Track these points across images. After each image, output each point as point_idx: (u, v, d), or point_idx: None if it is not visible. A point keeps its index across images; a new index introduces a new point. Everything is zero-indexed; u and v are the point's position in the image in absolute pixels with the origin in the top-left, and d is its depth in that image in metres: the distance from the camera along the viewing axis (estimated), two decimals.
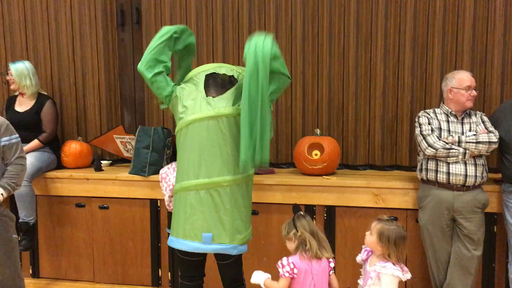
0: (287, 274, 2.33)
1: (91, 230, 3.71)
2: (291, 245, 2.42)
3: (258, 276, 2.44)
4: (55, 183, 3.70)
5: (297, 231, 2.36)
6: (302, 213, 2.47)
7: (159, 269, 3.62)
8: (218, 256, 2.62)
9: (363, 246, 2.49)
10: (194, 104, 2.56)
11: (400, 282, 2.34)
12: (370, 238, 2.36)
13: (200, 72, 2.69)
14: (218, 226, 2.48)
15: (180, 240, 2.52)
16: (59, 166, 3.86)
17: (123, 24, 3.99)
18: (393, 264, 2.27)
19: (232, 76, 2.68)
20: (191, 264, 2.62)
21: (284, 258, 2.36)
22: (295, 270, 2.31)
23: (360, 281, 2.50)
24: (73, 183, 3.67)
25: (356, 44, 3.60)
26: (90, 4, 3.97)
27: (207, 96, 2.57)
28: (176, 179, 2.63)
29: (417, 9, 3.49)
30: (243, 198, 2.56)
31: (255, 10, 3.71)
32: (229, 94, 2.59)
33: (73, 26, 4.03)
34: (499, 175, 3.17)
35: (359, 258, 2.52)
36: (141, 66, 2.63)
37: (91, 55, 4.03)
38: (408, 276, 2.30)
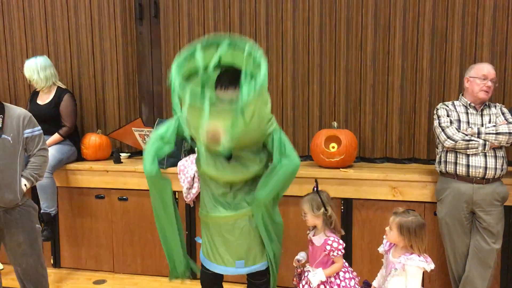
0: (340, 253, 2.55)
1: (110, 221, 3.77)
2: (315, 221, 2.61)
3: (317, 276, 2.56)
4: (76, 175, 3.76)
5: (327, 211, 2.56)
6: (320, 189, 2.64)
7: None
8: (251, 275, 2.65)
9: (384, 237, 2.49)
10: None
11: None
12: (391, 233, 2.38)
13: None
14: (249, 252, 2.51)
15: (214, 264, 2.55)
16: (79, 158, 3.93)
17: (142, 17, 4.03)
18: (418, 255, 2.28)
19: None
20: (213, 279, 2.66)
21: (332, 241, 2.54)
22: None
23: (381, 271, 2.51)
24: (93, 175, 3.73)
25: (374, 36, 3.58)
26: None
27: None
28: (201, 205, 2.62)
29: (436, 0, 3.45)
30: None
31: (273, 3, 3.71)
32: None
33: (92, 20, 4.08)
34: None
35: (381, 249, 2.53)
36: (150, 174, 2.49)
37: (110, 48, 4.07)
38: (432, 266, 2.30)
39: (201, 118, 2.00)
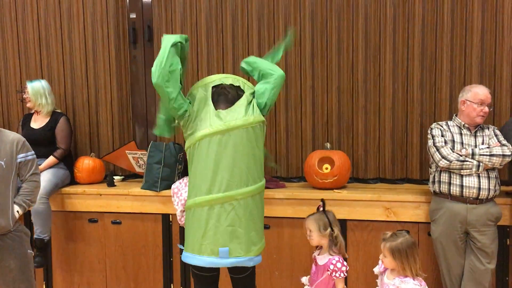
0: (343, 275, 2.54)
1: (103, 245, 3.74)
2: (321, 241, 2.62)
3: None
4: (69, 199, 3.74)
5: (333, 232, 2.59)
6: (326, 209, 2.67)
7: (172, 284, 3.63)
8: (233, 270, 2.63)
9: (380, 257, 2.49)
10: (204, 119, 2.58)
11: None
12: (386, 259, 2.39)
13: (206, 83, 2.72)
14: (234, 240, 2.50)
15: (197, 256, 2.53)
16: (72, 181, 3.91)
17: (135, 41, 4.07)
18: (412, 278, 2.28)
19: (239, 86, 2.71)
20: (206, 280, 2.63)
21: (336, 261, 2.54)
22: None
23: None
24: (86, 199, 3.71)
25: (365, 58, 3.63)
26: (103, 23, 4.05)
27: (216, 109, 2.60)
28: (189, 194, 2.66)
29: (425, 23, 3.52)
30: (257, 209, 2.58)
31: (265, 27, 3.77)
32: (238, 105, 2.61)
33: (86, 44, 4.11)
34: (510, 188, 3.17)
35: (377, 270, 2.54)
36: (158, 80, 2.52)
37: (104, 72, 4.09)
38: None
39: None
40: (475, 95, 2.95)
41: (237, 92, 2.69)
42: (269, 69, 2.69)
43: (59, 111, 3.94)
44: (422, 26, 3.52)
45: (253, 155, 2.58)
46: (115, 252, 3.72)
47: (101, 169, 3.97)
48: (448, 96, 3.50)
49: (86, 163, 3.90)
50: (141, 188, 3.62)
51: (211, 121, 2.56)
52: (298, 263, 3.41)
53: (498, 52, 3.43)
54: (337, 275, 2.52)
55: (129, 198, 3.62)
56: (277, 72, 2.68)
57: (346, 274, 2.55)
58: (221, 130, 2.53)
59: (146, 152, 3.75)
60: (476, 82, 3.34)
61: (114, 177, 3.91)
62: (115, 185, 3.83)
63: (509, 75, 3.41)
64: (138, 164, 3.91)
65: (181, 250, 2.68)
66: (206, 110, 2.60)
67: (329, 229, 2.57)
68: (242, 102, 2.62)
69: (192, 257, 2.56)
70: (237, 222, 2.50)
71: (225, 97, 2.66)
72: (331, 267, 2.53)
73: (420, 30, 3.52)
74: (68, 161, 3.91)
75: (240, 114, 2.57)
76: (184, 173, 3.70)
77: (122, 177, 4.10)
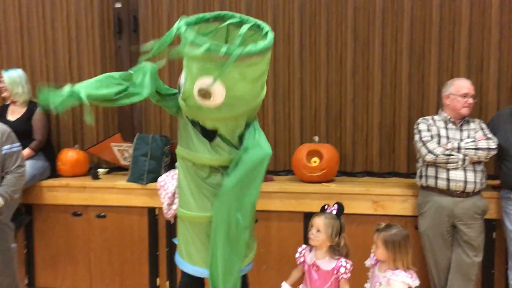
0: (349, 275, 2.45)
1: (88, 239, 3.67)
2: (325, 243, 2.45)
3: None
4: (52, 192, 3.66)
5: (343, 239, 2.46)
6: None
7: (157, 278, 3.58)
8: None
9: (371, 251, 2.48)
10: (187, 137, 2.40)
11: None
12: (379, 250, 2.38)
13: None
14: None
15: (190, 266, 2.49)
16: (54, 174, 3.83)
17: (120, 32, 3.98)
18: (404, 271, 2.28)
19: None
20: (194, 285, 2.61)
21: (345, 261, 2.44)
22: None
23: (367, 285, 2.50)
24: (70, 192, 3.64)
25: (354, 51, 3.62)
26: (87, 12, 3.97)
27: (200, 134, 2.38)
28: (181, 204, 2.53)
29: (413, 17, 3.52)
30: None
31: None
32: (220, 141, 2.36)
33: (70, 34, 4.02)
34: (496, 182, 3.20)
35: (368, 263, 2.53)
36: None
37: (88, 63, 4.01)
38: (417, 283, 2.31)
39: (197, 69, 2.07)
40: (459, 88, 2.97)
41: None
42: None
43: (35, 101, 3.85)
44: (411, 20, 3.52)
45: None
46: (99, 246, 3.65)
47: (85, 161, 3.90)
48: (436, 90, 3.50)
49: (69, 156, 3.83)
50: (127, 181, 3.56)
51: (197, 148, 2.37)
52: (286, 257, 3.39)
53: (485, 47, 3.45)
54: (345, 276, 2.43)
55: (114, 191, 3.56)
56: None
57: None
58: (208, 165, 2.37)
59: (131, 145, 3.69)
60: (463, 76, 3.34)
61: (98, 169, 3.84)
62: (100, 178, 3.76)
63: (496, 69, 3.43)
64: (123, 156, 3.84)
65: (175, 247, 2.63)
66: (190, 130, 2.40)
67: (337, 238, 2.43)
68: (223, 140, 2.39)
69: (185, 265, 2.52)
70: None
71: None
72: (342, 270, 2.42)
73: (409, 24, 3.52)
74: (48, 153, 3.83)
75: (226, 150, 2.37)
76: (171, 165, 3.66)
77: (107, 169, 4.03)
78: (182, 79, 2.30)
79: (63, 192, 3.65)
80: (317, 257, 2.50)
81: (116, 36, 4.00)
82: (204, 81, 2.12)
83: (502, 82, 3.45)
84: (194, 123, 2.35)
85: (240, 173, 2.23)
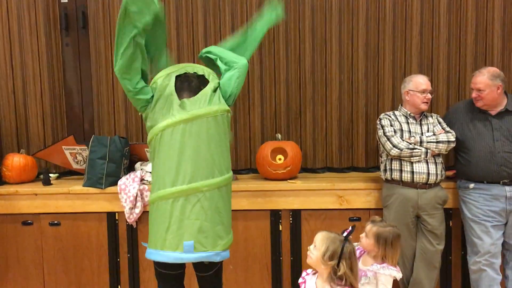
0: None
1: (40, 249, 3.44)
2: (319, 266, 2.11)
3: None
4: None
5: (338, 268, 2.05)
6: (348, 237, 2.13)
7: (119, 286, 3.43)
8: (199, 268, 2.54)
9: (361, 236, 2.50)
10: (166, 109, 2.47)
11: None
12: (367, 240, 2.41)
13: (169, 73, 2.59)
14: (199, 234, 2.40)
15: (160, 252, 2.40)
16: None
17: (67, 28, 3.76)
18: (390, 264, 2.34)
19: (203, 75, 2.62)
20: (170, 278, 2.51)
21: None
22: None
23: None
24: (19, 200, 3.39)
25: (312, 49, 3.67)
26: (30, 7, 3.70)
27: (179, 99, 2.49)
28: (152, 188, 2.52)
29: (368, 16, 3.63)
30: (224, 202, 2.50)
31: (210, 14, 3.66)
32: (202, 94, 2.52)
33: (11, 31, 3.73)
34: (450, 173, 3.37)
35: None
36: (117, 71, 2.44)
37: (33, 61, 3.75)
38: (400, 275, 2.38)
39: None
40: (417, 84, 3.10)
41: (201, 82, 2.59)
42: (234, 57, 2.62)
43: None
44: (366, 18, 3.63)
45: (219, 145, 2.50)
46: (53, 256, 3.44)
47: (33, 166, 3.65)
48: (391, 86, 3.64)
49: (16, 161, 3.56)
50: (83, 185, 3.38)
51: (173, 111, 2.45)
52: (252, 256, 3.38)
53: (435, 45, 3.63)
54: None
55: (70, 197, 3.36)
56: (241, 60, 2.61)
57: None
58: (184, 119, 2.42)
59: (85, 147, 3.50)
60: (415, 73, 3.49)
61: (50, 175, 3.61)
62: (51, 184, 3.54)
63: (445, 66, 3.62)
64: (75, 160, 3.64)
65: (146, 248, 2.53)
66: (169, 100, 2.48)
67: (334, 262, 2.05)
68: (206, 91, 2.53)
69: (155, 253, 2.44)
70: (202, 215, 2.41)
71: (188, 86, 2.56)
72: None
73: (364, 23, 3.63)
74: None
75: (204, 103, 2.48)
76: (130, 168, 3.52)
77: (57, 174, 3.79)
78: None
79: (11, 200, 3.39)
80: (317, 286, 2.15)
81: (62, 32, 3.77)
82: None
83: (451, 79, 3.65)
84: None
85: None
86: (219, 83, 2.59)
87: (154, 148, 2.49)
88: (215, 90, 2.54)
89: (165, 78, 2.55)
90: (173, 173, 2.41)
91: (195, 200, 2.40)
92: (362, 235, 2.46)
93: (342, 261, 2.04)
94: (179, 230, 2.39)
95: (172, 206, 2.40)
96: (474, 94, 3.01)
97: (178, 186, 2.40)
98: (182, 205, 2.39)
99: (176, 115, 2.43)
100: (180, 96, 2.50)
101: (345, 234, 2.10)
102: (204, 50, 2.81)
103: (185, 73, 2.58)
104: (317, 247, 2.10)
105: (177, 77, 2.56)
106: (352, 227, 2.14)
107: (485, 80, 2.95)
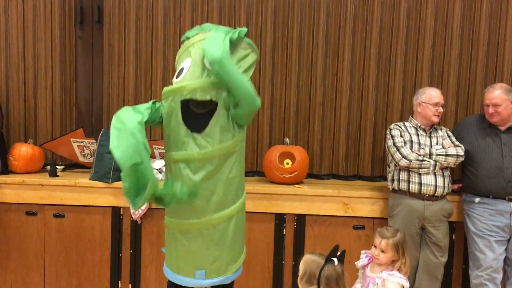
0: None
1: (42, 240, 3.44)
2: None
3: None
4: (3, 189, 3.39)
5: None
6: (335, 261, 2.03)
7: (119, 281, 3.43)
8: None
9: (362, 252, 2.53)
10: (177, 140, 2.32)
11: None
12: (387, 255, 2.38)
13: (174, 95, 2.30)
14: (211, 265, 2.40)
15: (175, 275, 2.45)
16: (5, 170, 3.55)
17: (82, 21, 3.78)
18: (399, 272, 2.35)
19: (211, 100, 2.28)
20: None
21: None
22: None
23: (358, 285, 2.54)
24: (24, 189, 3.39)
25: (324, 55, 3.68)
26: None
27: (190, 131, 2.31)
28: (167, 212, 2.48)
29: (382, 26, 3.64)
30: (236, 228, 2.44)
31: (226, 17, 3.68)
32: (213, 126, 2.30)
33: (25, 20, 3.75)
34: (455, 186, 3.38)
35: (360, 263, 2.55)
36: None
37: (45, 53, 3.76)
38: (408, 284, 2.38)
39: None
40: (430, 97, 3.12)
41: (210, 106, 2.32)
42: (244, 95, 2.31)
43: None
44: (380, 28, 3.65)
45: (233, 177, 2.39)
46: (56, 248, 3.44)
47: (40, 157, 3.66)
48: (401, 97, 3.66)
49: (23, 151, 3.57)
50: (90, 179, 3.38)
51: (186, 145, 2.30)
52: (255, 258, 3.39)
53: (446, 59, 3.64)
54: None
55: (75, 189, 3.37)
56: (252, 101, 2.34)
57: None
58: (198, 159, 2.31)
59: (94, 141, 3.51)
60: (426, 86, 3.52)
61: (57, 166, 3.61)
62: (58, 175, 3.54)
63: (455, 81, 3.64)
64: (82, 153, 3.64)
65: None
66: (178, 129, 2.32)
67: (314, 287, 1.97)
68: (217, 121, 2.30)
69: (171, 275, 2.48)
70: (212, 246, 2.38)
71: (196, 113, 2.32)
72: None
73: (378, 32, 3.65)
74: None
75: (216, 138, 2.30)
76: None
77: (63, 166, 3.80)
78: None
79: (17, 189, 3.39)
80: None
81: (77, 25, 3.79)
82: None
83: (460, 93, 3.66)
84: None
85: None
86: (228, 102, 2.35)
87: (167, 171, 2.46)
88: (226, 116, 2.34)
89: (170, 101, 2.33)
90: (185, 208, 2.36)
91: (206, 233, 2.36)
92: (377, 252, 2.42)
93: (321, 285, 1.95)
94: (190, 259, 2.39)
95: (185, 237, 2.39)
96: (491, 110, 3.01)
97: (191, 220, 2.35)
98: (193, 236, 2.37)
99: (189, 152, 2.32)
100: (189, 125, 2.33)
101: (329, 256, 2.02)
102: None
103: (191, 99, 2.29)
104: (300, 269, 2.05)
105: (182, 101, 2.32)
106: (342, 252, 2.06)
107: (500, 95, 2.97)
